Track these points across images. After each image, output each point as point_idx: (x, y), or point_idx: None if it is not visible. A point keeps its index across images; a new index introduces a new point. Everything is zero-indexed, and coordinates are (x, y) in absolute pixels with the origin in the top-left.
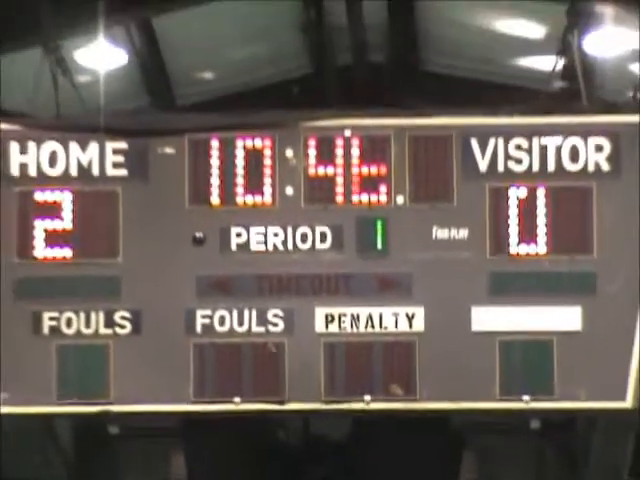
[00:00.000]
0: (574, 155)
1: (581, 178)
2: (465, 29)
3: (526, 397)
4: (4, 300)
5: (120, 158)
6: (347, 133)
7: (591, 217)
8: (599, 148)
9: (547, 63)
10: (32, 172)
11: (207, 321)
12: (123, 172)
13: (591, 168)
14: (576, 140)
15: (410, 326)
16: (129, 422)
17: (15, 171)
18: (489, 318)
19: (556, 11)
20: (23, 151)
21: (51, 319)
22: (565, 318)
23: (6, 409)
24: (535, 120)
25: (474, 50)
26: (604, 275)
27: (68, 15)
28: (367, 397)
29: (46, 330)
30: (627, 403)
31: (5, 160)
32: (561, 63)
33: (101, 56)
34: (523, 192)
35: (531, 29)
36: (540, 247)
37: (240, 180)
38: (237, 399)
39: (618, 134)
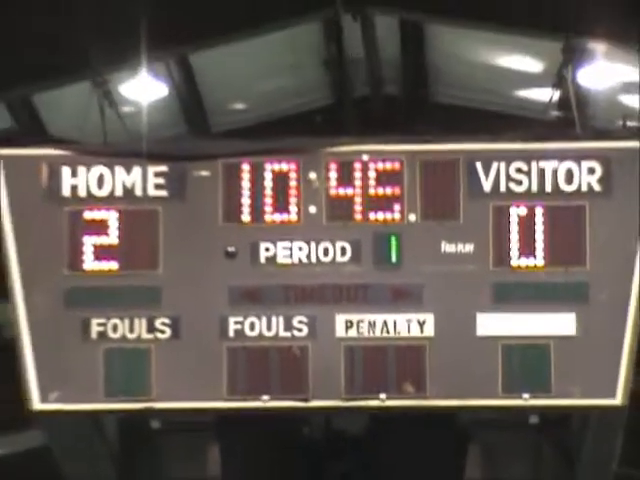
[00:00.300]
0: (569, 177)
1: (575, 198)
2: (470, 64)
3: (525, 395)
4: (56, 308)
5: (161, 180)
6: (365, 158)
7: (584, 233)
8: (591, 171)
9: (544, 95)
10: (82, 193)
11: (239, 327)
12: (163, 193)
13: (584, 189)
14: (570, 164)
15: (421, 331)
16: (169, 417)
17: (66, 192)
18: (492, 324)
19: (552, 48)
20: (74, 174)
21: (99, 325)
22: (561, 324)
23: (57, 406)
24: (533, 146)
25: (478, 83)
26: (596, 285)
27: (114, 52)
28: (382, 395)
29: (94, 335)
30: (617, 400)
31: (57, 182)
32: (557, 95)
33: (143, 89)
34: (523, 210)
35: (530, 64)
36: (538, 260)
37: (268, 200)
38: (265, 397)
39: (609, 158)
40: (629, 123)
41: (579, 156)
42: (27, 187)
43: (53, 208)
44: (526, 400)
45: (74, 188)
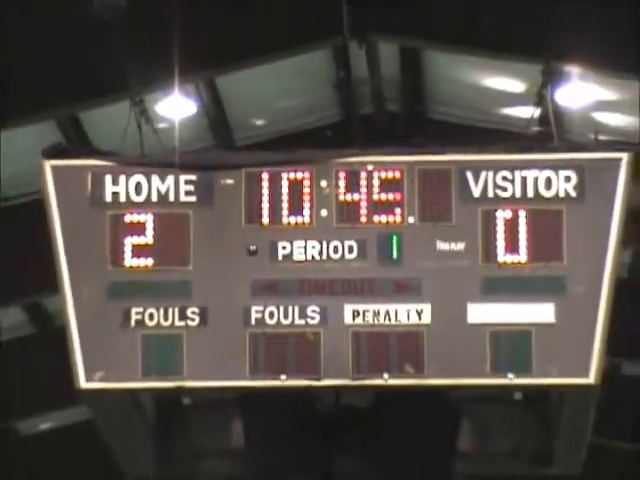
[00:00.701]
0: (548, 184)
1: (553, 203)
2: (460, 85)
3: (511, 375)
4: (99, 300)
5: (191, 187)
6: (369, 167)
7: (562, 233)
8: (567, 179)
9: (526, 112)
10: (122, 199)
11: (259, 315)
12: (193, 199)
13: (562, 194)
14: (549, 172)
15: (419, 319)
16: (198, 395)
17: (109, 198)
18: (481, 313)
19: (533, 71)
20: (115, 182)
21: (137, 314)
22: (541, 313)
23: (100, 385)
24: (517, 157)
25: (467, 102)
26: (572, 278)
27: (150, 75)
28: (385, 375)
29: (133, 323)
30: (590, 380)
31: (101, 190)
32: (537, 112)
33: (176, 107)
34: (508, 214)
35: (513, 85)
36: (522, 256)
37: (285, 205)
38: (283, 377)
39: (583, 167)
40: (600, 137)
41: (557, 166)
42: (74, 194)
43: (97, 212)
44: (511, 379)
45: (115, 194)
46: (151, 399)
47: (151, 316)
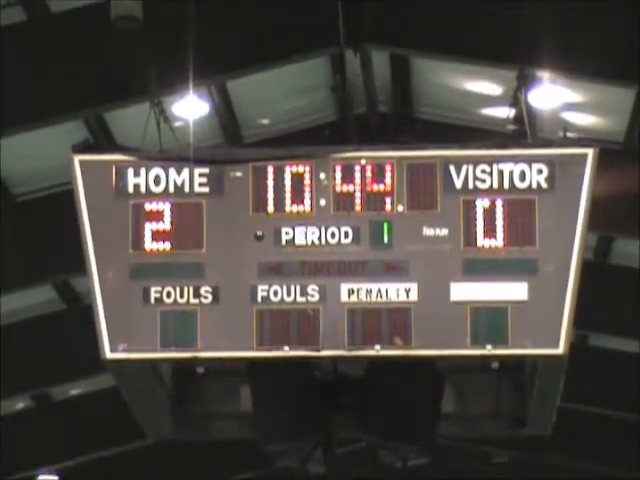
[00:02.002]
0: (522, 177)
1: (527, 193)
2: (444, 88)
3: (489, 346)
4: (122, 280)
5: (204, 180)
6: (363, 162)
7: (534, 220)
8: (539, 172)
9: (502, 112)
10: (142, 190)
11: (265, 294)
12: (206, 190)
13: (534, 186)
14: (524, 166)
15: (407, 297)
16: (210, 365)
17: (131, 189)
18: (462, 291)
19: (509, 75)
20: (136, 175)
21: (156, 292)
22: (516, 291)
23: (123, 355)
24: (494, 152)
25: (450, 103)
26: (543, 260)
27: (167, 79)
28: (377, 347)
29: (152, 300)
30: (560, 350)
31: (124, 181)
32: (512, 112)
33: (190, 108)
34: (486, 203)
35: (491, 88)
36: (499, 241)
37: (288, 195)
38: (286, 348)
39: (553, 162)
40: (568, 134)
41: (530, 160)
42: (100, 185)
43: (120, 201)
44: (489, 350)
45: (136, 186)
46: (168, 368)
47: (168, 294)
